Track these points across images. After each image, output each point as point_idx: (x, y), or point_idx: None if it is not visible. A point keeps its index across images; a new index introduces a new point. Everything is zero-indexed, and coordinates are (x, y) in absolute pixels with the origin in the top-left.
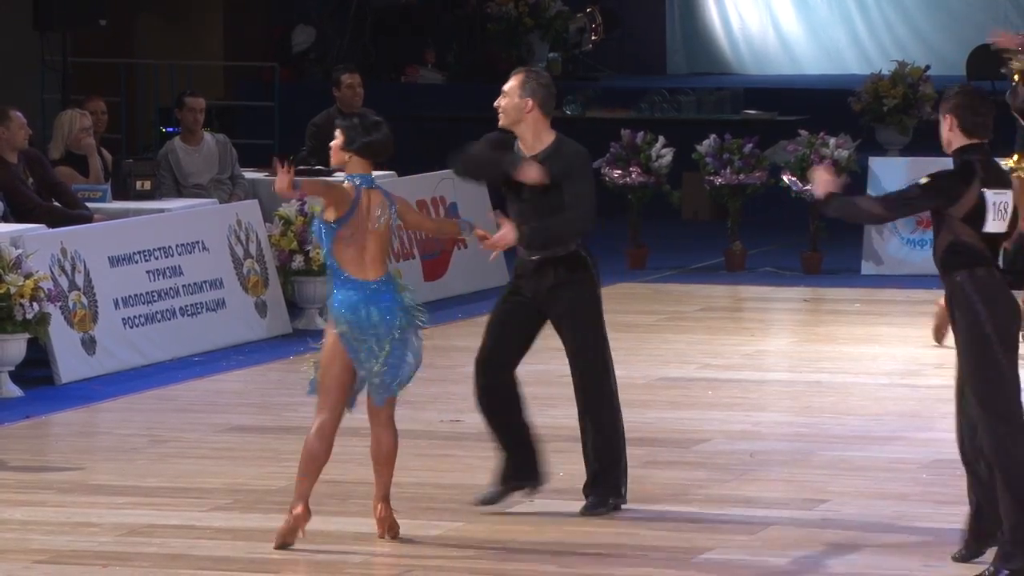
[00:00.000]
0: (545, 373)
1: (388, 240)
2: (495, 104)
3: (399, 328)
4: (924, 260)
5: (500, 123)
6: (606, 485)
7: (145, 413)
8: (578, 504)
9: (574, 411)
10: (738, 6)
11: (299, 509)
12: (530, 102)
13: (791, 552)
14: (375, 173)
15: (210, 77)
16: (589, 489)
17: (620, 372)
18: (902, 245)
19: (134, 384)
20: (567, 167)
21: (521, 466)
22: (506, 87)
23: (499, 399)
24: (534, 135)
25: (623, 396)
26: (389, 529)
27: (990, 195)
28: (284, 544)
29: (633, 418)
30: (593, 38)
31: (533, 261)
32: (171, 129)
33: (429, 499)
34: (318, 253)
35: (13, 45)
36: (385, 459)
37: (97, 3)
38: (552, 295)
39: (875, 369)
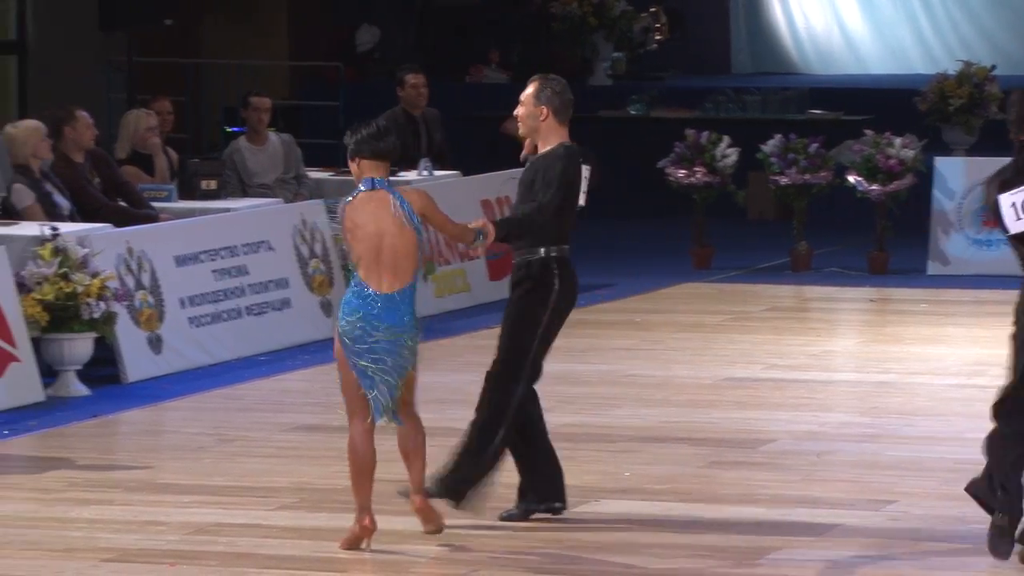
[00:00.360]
0: (610, 373)
1: (407, 246)
2: (514, 113)
3: (408, 347)
4: (990, 260)
5: (520, 132)
6: (444, 484)
7: (211, 412)
8: (644, 504)
9: (641, 411)
10: (803, 5)
11: (366, 521)
12: (545, 110)
13: (858, 553)
14: (439, 173)
15: (275, 77)
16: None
17: (685, 372)
18: (968, 245)
19: (200, 383)
20: (542, 166)
21: (541, 488)
22: (523, 96)
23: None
24: (545, 142)
25: (690, 396)
26: (429, 521)
27: (1004, 197)
28: (351, 548)
29: (699, 418)
30: (658, 38)
31: (514, 265)
32: (236, 129)
33: (497, 498)
34: None
35: (79, 45)
36: (413, 452)
37: (162, 3)
38: (511, 294)
39: (942, 369)
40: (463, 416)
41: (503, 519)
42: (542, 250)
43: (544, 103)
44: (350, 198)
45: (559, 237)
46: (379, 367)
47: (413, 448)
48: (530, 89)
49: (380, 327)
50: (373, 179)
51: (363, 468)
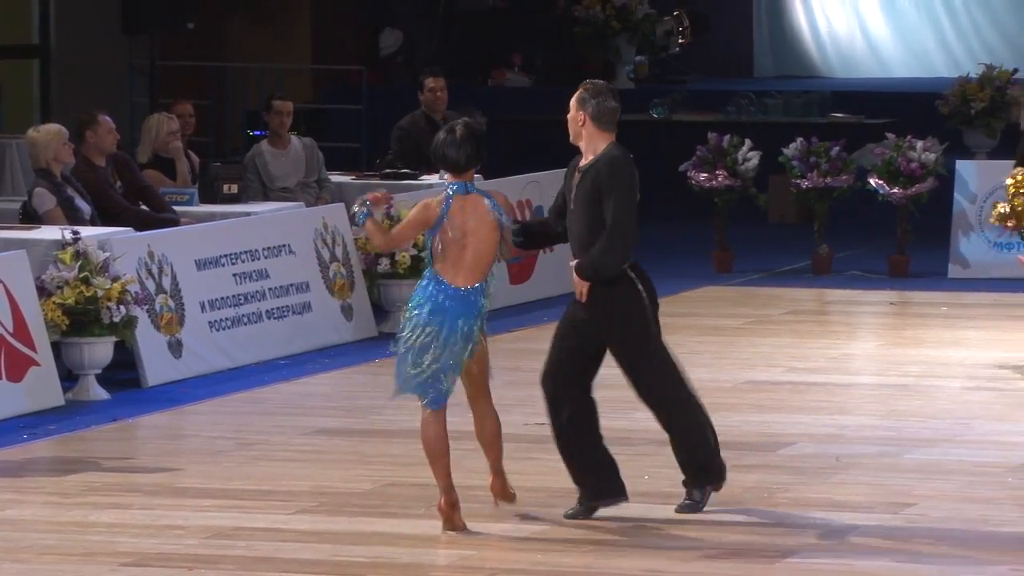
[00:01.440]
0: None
1: (490, 246)
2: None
3: (471, 337)
4: (1011, 263)
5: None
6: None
7: (231, 416)
8: (662, 507)
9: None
10: (825, 9)
11: (442, 502)
12: (582, 115)
13: (877, 555)
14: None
15: (298, 80)
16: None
17: (706, 375)
18: (989, 248)
19: (220, 387)
20: (602, 180)
21: (600, 485)
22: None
23: (567, 413)
24: (588, 148)
25: (710, 398)
26: (503, 497)
27: None
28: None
29: (719, 421)
30: (680, 41)
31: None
32: (258, 132)
33: (516, 502)
34: (404, 256)
35: (102, 48)
36: (489, 440)
37: (185, 6)
38: (598, 318)
39: (962, 372)
40: None
41: (567, 517)
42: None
43: (582, 108)
44: (445, 196)
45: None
46: (443, 356)
47: (490, 436)
48: (574, 96)
49: (446, 318)
50: (466, 184)
51: (437, 453)
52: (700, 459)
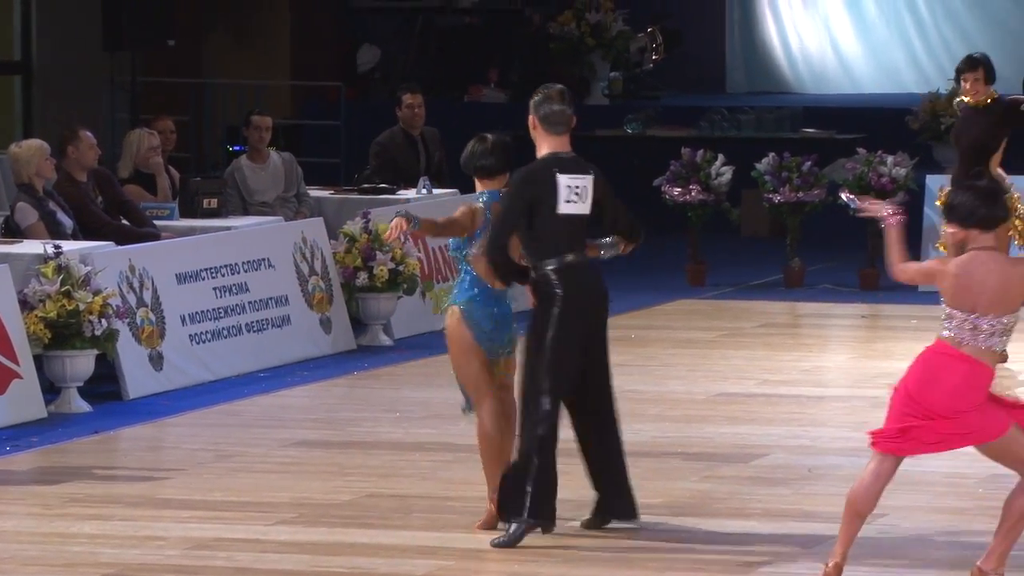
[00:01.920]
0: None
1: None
2: None
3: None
4: None
5: None
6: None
7: (211, 428)
8: (645, 518)
9: (635, 426)
10: (797, 25)
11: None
12: (533, 119)
13: (848, 566)
14: (438, 191)
15: (277, 96)
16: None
17: (679, 387)
18: None
19: (201, 399)
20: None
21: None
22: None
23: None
24: (538, 152)
25: (684, 411)
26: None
27: None
28: (488, 528)
29: (692, 433)
30: (654, 57)
31: None
32: (238, 148)
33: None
34: (382, 270)
35: (83, 65)
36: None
37: (166, 23)
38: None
39: None
40: (460, 431)
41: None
42: (541, 265)
43: (533, 113)
44: (484, 205)
45: (557, 249)
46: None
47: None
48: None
49: (496, 317)
50: (497, 192)
51: (494, 451)
52: (514, 485)
